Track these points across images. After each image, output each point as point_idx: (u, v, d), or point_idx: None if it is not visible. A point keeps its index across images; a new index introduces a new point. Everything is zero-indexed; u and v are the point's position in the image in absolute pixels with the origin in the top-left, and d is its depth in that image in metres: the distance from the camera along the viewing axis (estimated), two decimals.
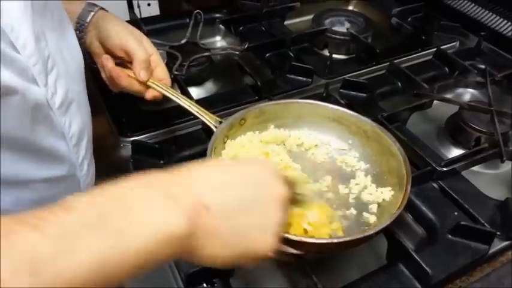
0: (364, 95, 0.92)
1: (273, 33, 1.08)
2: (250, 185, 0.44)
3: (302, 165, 0.69)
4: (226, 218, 0.41)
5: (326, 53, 1.07)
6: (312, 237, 0.55)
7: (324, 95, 0.90)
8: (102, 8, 0.73)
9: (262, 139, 0.71)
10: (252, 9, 1.14)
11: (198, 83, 0.96)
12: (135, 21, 1.02)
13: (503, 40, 1.06)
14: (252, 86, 0.91)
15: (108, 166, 0.74)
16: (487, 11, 1.12)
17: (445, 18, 1.14)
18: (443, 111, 0.89)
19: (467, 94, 0.97)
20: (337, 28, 1.12)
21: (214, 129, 0.66)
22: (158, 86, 0.70)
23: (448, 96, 0.94)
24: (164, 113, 0.83)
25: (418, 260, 0.60)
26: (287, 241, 0.50)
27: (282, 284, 0.63)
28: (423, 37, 1.06)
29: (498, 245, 0.65)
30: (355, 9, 1.27)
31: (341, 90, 0.92)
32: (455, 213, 0.68)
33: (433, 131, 0.88)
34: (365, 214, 0.63)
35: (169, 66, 0.88)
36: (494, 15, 1.11)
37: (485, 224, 0.67)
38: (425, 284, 0.59)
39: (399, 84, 0.96)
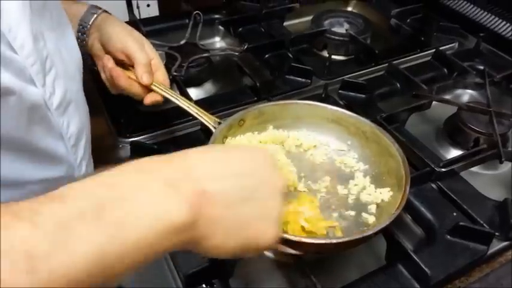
0: (363, 96, 0.92)
1: (272, 34, 1.08)
2: (250, 174, 0.44)
3: (301, 166, 0.69)
4: (228, 207, 0.40)
5: (325, 54, 1.07)
6: (311, 232, 0.55)
7: (323, 95, 0.90)
8: (105, 11, 0.73)
9: (261, 140, 0.71)
10: (251, 10, 1.15)
11: (197, 83, 0.96)
12: (134, 22, 1.02)
13: (502, 41, 1.07)
14: (251, 87, 0.91)
15: (107, 167, 0.74)
16: (486, 12, 1.12)
17: (444, 19, 1.14)
18: (442, 112, 0.89)
19: (466, 95, 0.97)
20: (336, 29, 1.12)
21: (213, 130, 0.66)
22: (159, 88, 0.70)
23: (447, 97, 0.94)
24: (163, 113, 0.83)
25: (417, 260, 0.60)
26: (286, 241, 0.50)
27: (281, 284, 0.63)
28: (422, 38, 1.07)
29: (497, 245, 0.65)
30: (354, 10, 1.27)
31: (340, 91, 0.92)
32: (454, 214, 0.68)
33: (431, 131, 0.88)
34: (364, 215, 0.63)
35: (168, 67, 0.88)
36: (493, 16, 1.11)
37: (484, 224, 0.67)
38: (424, 285, 0.59)
39: (398, 85, 0.96)
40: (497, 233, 0.65)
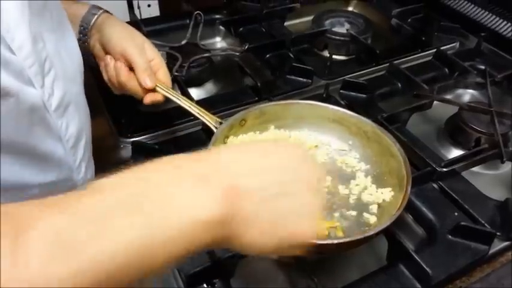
0: (364, 95, 0.92)
1: (273, 34, 1.08)
2: (288, 169, 0.43)
3: None
4: (263, 202, 0.40)
5: (326, 54, 1.07)
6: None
7: (324, 95, 0.90)
8: (106, 11, 0.73)
9: (262, 140, 0.71)
10: (252, 10, 1.15)
11: (198, 83, 0.96)
12: (135, 22, 1.03)
13: (503, 41, 1.06)
14: (252, 87, 0.91)
15: (108, 167, 0.73)
16: (486, 12, 1.12)
17: (445, 19, 1.14)
18: (443, 112, 0.89)
19: (467, 95, 0.97)
20: (337, 29, 1.12)
21: (215, 129, 0.66)
22: (161, 87, 0.70)
23: (448, 97, 0.94)
24: (164, 113, 0.83)
25: (418, 260, 0.60)
26: None
27: (282, 284, 0.63)
28: (423, 38, 1.07)
29: (498, 245, 0.65)
30: (355, 10, 1.27)
31: (341, 91, 0.92)
32: (455, 214, 0.68)
33: (433, 131, 0.88)
34: (365, 215, 0.63)
35: (169, 67, 0.87)
36: (494, 16, 1.11)
37: (485, 224, 0.67)
38: (425, 285, 0.59)
39: (399, 85, 0.96)
40: (498, 233, 0.65)
